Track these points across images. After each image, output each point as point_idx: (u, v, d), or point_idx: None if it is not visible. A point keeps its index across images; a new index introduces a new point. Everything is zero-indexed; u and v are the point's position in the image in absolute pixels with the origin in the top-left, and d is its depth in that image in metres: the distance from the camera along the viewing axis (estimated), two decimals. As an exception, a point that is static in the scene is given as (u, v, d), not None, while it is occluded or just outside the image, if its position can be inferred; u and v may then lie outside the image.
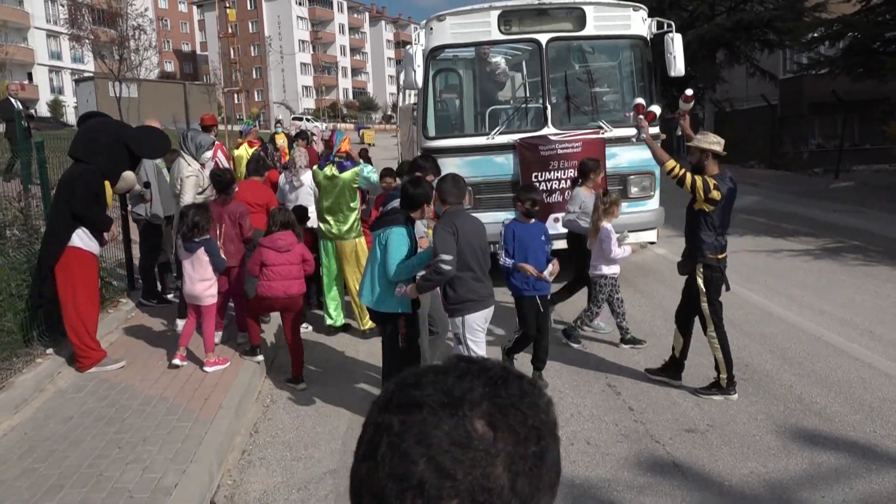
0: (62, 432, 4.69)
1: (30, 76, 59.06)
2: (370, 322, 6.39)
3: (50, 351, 6.04)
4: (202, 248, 5.87)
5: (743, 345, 6.32)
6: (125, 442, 4.51)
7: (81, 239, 5.85)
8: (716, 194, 4.88)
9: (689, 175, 4.96)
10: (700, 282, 5.13)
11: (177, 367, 5.89)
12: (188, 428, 4.70)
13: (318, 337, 7.17)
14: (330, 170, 6.80)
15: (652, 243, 9.10)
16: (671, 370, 5.51)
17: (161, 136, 6.47)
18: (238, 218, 6.52)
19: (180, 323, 6.68)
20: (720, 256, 5.12)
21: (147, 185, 7.73)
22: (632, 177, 8.42)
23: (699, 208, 5.01)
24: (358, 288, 5.76)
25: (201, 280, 5.93)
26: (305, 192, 7.62)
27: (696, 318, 5.32)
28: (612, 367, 5.95)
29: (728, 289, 5.30)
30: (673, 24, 8.36)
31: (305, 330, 6.89)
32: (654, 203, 8.57)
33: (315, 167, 7.11)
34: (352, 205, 6.94)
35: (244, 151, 9.70)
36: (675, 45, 8.18)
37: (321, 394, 5.67)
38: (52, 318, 6.08)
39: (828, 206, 14.91)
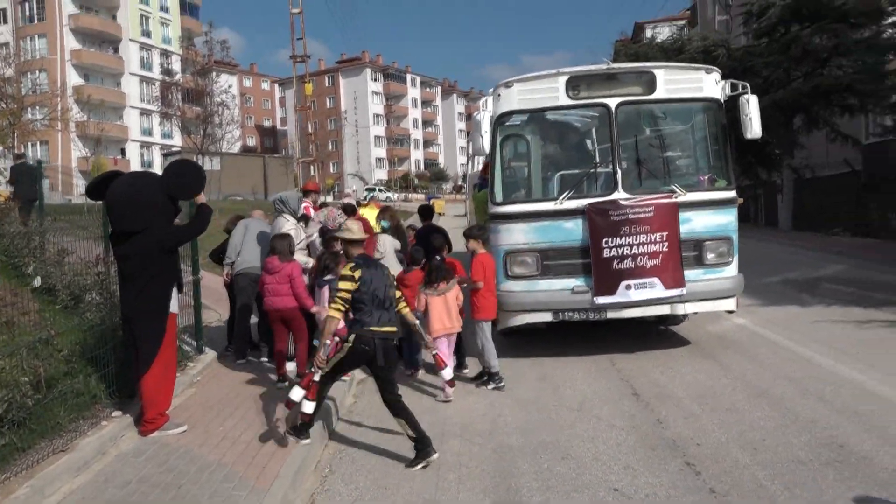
0: (118, 498, 4.63)
1: (123, 151, 62.89)
2: None
3: (117, 413, 6.07)
4: (328, 286, 7.17)
5: (835, 423, 5.80)
6: (179, 510, 4.40)
7: (174, 304, 5.99)
8: (355, 275, 5.47)
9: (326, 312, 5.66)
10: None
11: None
12: (243, 497, 4.57)
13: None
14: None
15: (731, 312, 8.63)
16: (423, 451, 5.39)
17: (192, 168, 6.33)
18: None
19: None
20: (375, 329, 5.51)
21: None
22: (708, 242, 8.08)
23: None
24: None
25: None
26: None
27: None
28: (691, 443, 5.54)
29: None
30: (748, 85, 8.14)
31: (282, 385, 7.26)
32: (731, 270, 8.16)
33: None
34: None
35: (369, 212, 11.03)
36: (751, 106, 7.95)
37: (382, 465, 5.46)
38: (119, 379, 6.11)
39: (923, 275, 13.98)
